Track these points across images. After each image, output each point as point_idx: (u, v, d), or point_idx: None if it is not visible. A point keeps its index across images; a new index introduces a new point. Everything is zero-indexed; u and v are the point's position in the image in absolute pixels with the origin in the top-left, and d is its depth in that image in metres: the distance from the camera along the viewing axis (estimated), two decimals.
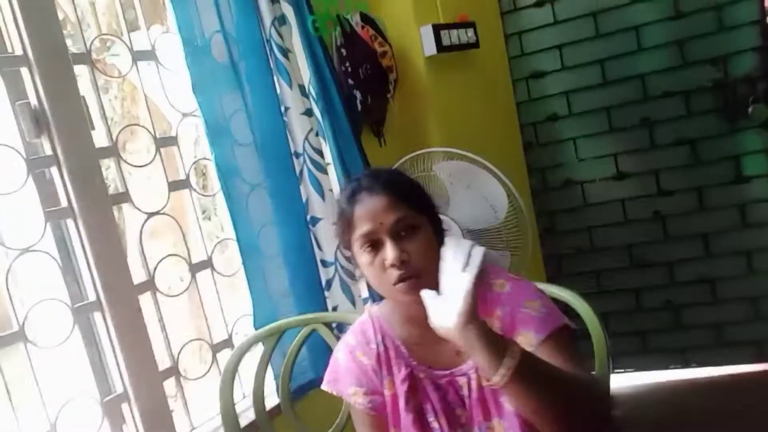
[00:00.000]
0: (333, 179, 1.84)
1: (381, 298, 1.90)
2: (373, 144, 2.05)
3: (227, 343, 1.69)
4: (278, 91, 1.70)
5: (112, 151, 1.44)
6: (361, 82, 1.90)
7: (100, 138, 1.41)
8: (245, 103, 1.65)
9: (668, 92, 2.40)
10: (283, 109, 1.72)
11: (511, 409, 0.98)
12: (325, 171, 1.78)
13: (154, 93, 1.66)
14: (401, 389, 1.02)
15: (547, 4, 2.48)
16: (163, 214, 1.53)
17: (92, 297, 1.35)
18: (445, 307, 0.85)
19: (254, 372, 1.54)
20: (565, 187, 2.62)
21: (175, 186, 1.58)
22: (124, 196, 1.46)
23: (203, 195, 1.66)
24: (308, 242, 1.77)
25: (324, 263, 1.80)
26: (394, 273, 0.95)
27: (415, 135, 2.12)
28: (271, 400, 1.60)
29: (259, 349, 1.53)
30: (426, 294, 0.88)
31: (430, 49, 2.06)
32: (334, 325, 1.54)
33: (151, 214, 1.50)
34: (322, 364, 1.76)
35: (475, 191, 1.61)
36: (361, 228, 0.98)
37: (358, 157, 1.90)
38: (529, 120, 2.58)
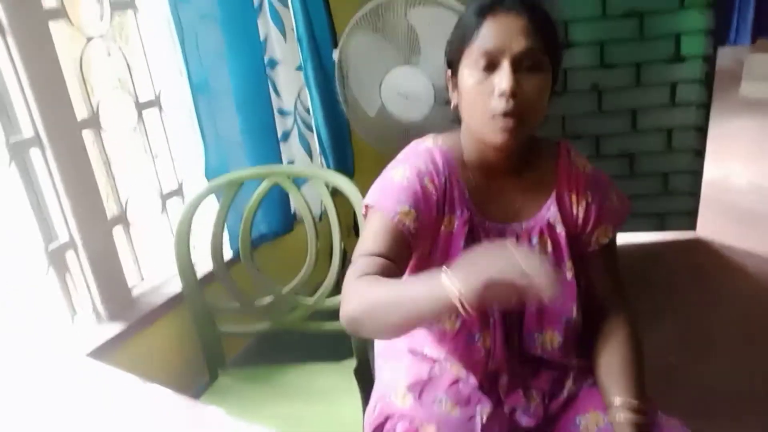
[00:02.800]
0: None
1: (338, 155, 1.83)
2: None
3: (177, 192, 1.56)
4: None
5: None
6: None
7: None
8: None
9: None
10: None
11: (569, 279, 0.99)
12: (287, 5, 1.59)
13: None
14: (461, 230, 0.97)
15: None
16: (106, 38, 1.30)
17: (29, 133, 1.16)
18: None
19: (206, 223, 1.45)
20: None
21: (118, 5, 1.33)
22: (59, 12, 1.21)
23: (150, 21, 1.42)
24: (265, 87, 1.61)
25: (282, 112, 1.67)
26: (501, 104, 0.87)
27: None
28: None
29: (209, 199, 1.43)
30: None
31: None
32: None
33: (91, 39, 1.27)
34: (274, 218, 1.71)
35: None
36: (486, 43, 0.88)
37: None
38: None
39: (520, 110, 0.87)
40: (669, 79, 2.48)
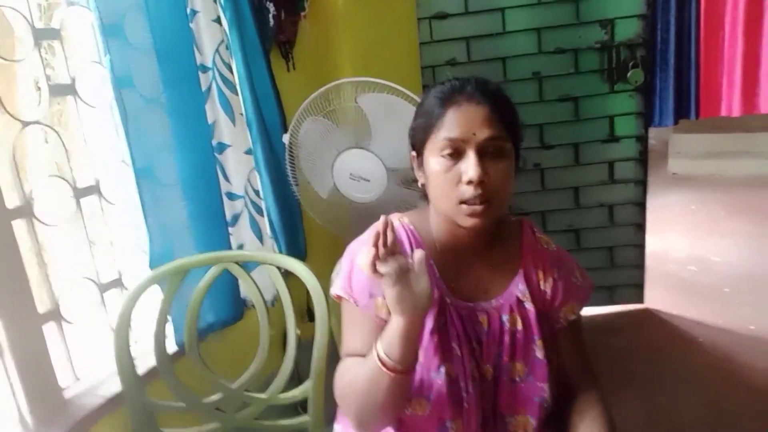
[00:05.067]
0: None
1: (290, 237, 1.78)
2: (280, 67, 1.87)
3: (117, 282, 1.46)
4: None
5: None
6: None
7: None
8: None
9: (560, 48, 2.49)
10: (189, 11, 1.48)
11: (540, 358, 0.96)
12: (236, 91, 1.58)
13: None
14: (430, 311, 0.94)
15: None
16: (44, 125, 1.24)
17: None
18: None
19: (147, 315, 1.36)
20: None
21: (58, 90, 1.29)
22: None
23: (92, 107, 1.37)
24: (213, 171, 1.58)
25: (230, 196, 1.62)
26: (468, 191, 0.88)
27: (327, 62, 1.97)
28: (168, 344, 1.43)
29: (151, 290, 1.34)
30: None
31: None
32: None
33: (28, 123, 1.21)
34: (222, 306, 1.62)
35: (404, 128, 1.53)
36: (450, 132, 0.89)
37: (267, 79, 1.72)
38: (430, 62, 2.53)
39: (488, 195, 0.89)
40: (606, 157, 2.61)
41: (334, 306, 1.19)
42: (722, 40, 4.52)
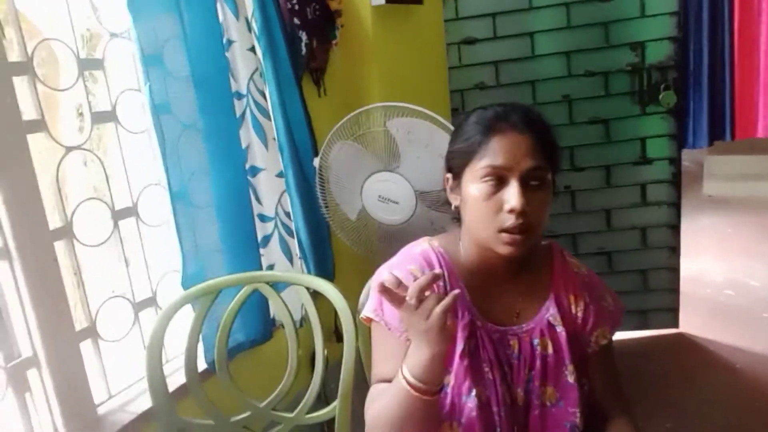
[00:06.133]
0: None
1: (319, 258, 1.80)
2: (312, 93, 1.91)
3: (151, 301, 1.50)
4: (222, 19, 1.51)
5: (26, 67, 1.19)
6: (307, 23, 1.75)
7: (11, 51, 1.15)
8: (183, 30, 1.44)
9: (590, 71, 2.48)
10: (225, 41, 1.53)
11: (571, 382, 0.96)
12: (269, 117, 1.63)
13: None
14: (461, 334, 0.95)
15: None
16: (85, 149, 1.30)
17: None
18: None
19: (178, 333, 1.39)
20: None
21: (99, 118, 1.35)
22: (38, 125, 1.21)
23: (131, 132, 1.43)
24: (246, 194, 1.62)
25: (262, 218, 1.66)
26: (509, 220, 0.89)
27: (356, 88, 2.01)
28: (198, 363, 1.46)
29: (184, 309, 1.37)
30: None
31: None
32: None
33: (70, 149, 1.27)
34: (252, 326, 1.65)
35: (432, 151, 1.55)
36: (494, 159, 0.90)
37: (299, 105, 1.77)
38: (458, 86, 2.56)
39: (528, 225, 0.89)
40: (638, 179, 2.58)
41: (361, 327, 1.20)
42: (757, 61, 4.47)
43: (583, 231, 2.66)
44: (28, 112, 1.18)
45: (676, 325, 2.71)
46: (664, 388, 2.29)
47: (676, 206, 2.59)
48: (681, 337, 2.67)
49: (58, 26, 1.26)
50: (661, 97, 2.45)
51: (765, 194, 4.59)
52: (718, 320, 2.79)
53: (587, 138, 2.55)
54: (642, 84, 2.47)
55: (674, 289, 2.67)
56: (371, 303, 1.01)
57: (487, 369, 0.95)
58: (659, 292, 2.69)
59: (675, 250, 2.63)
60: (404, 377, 0.86)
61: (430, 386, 0.85)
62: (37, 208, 1.17)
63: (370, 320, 1.01)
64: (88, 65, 1.33)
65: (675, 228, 2.61)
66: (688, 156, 4.83)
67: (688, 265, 2.79)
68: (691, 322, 2.71)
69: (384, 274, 1.00)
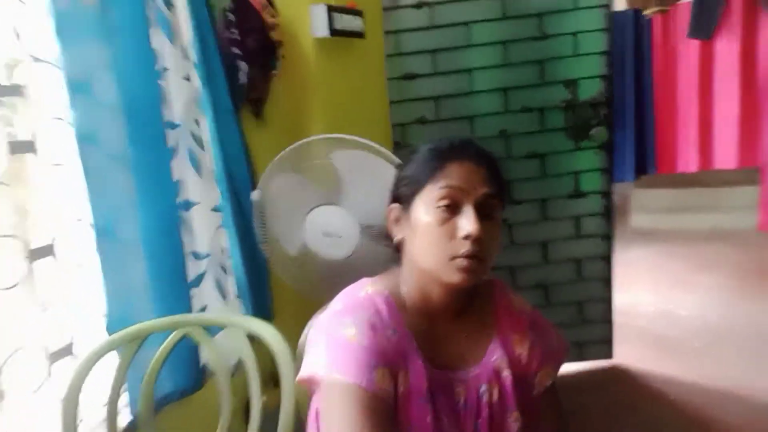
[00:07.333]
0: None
1: (257, 298, 1.72)
2: (251, 124, 1.85)
3: (66, 350, 1.36)
4: (156, 46, 1.43)
5: None
6: (247, 53, 1.70)
7: None
8: (114, 56, 1.35)
9: (526, 107, 2.55)
10: (160, 68, 1.45)
11: (516, 429, 0.92)
12: (204, 148, 1.55)
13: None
14: (420, 386, 0.89)
15: (425, 7, 2.48)
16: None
17: None
18: None
19: (99, 385, 1.27)
20: None
21: (16, 148, 1.23)
22: None
23: (52, 164, 1.32)
24: (175, 230, 1.52)
25: (196, 255, 1.56)
26: (464, 246, 0.85)
27: (298, 119, 1.96)
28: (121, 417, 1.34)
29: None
30: None
31: (323, 30, 1.91)
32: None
33: None
34: (181, 374, 1.54)
35: (376, 183, 1.52)
36: (450, 181, 0.88)
37: (238, 136, 1.70)
38: (400, 120, 2.56)
39: (482, 253, 0.86)
40: (573, 212, 2.64)
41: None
42: (677, 99, 4.76)
43: (520, 264, 2.68)
44: None
45: (610, 355, 2.76)
46: (601, 420, 2.31)
47: (608, 238, 2.66)
48: (616, 369, 2.72)
49: None
50: (593, 132, 2.54)
51: (690, 226, 4.83)
52: (652, 351, 2.87)
53: (524, 172, 2.60)
54: (576, 120, 2.55)
55: (608, 321, 2.74)
56: (326, 360, 0.86)
57: (445, 418, 0.90)
58: (594, 323, 2.74)
59: (608, 282, 2.70)
60: None
61: None
62: None
63: (314, 383, 0.88)
64: (7, 92, 1.22)
65: (607, 260, 2.68)
66: (618, 190, 5.04)
67: (621, 297, 2.86)
68: (625, 353, 2.77)
69: (326, 322, 0.92)
